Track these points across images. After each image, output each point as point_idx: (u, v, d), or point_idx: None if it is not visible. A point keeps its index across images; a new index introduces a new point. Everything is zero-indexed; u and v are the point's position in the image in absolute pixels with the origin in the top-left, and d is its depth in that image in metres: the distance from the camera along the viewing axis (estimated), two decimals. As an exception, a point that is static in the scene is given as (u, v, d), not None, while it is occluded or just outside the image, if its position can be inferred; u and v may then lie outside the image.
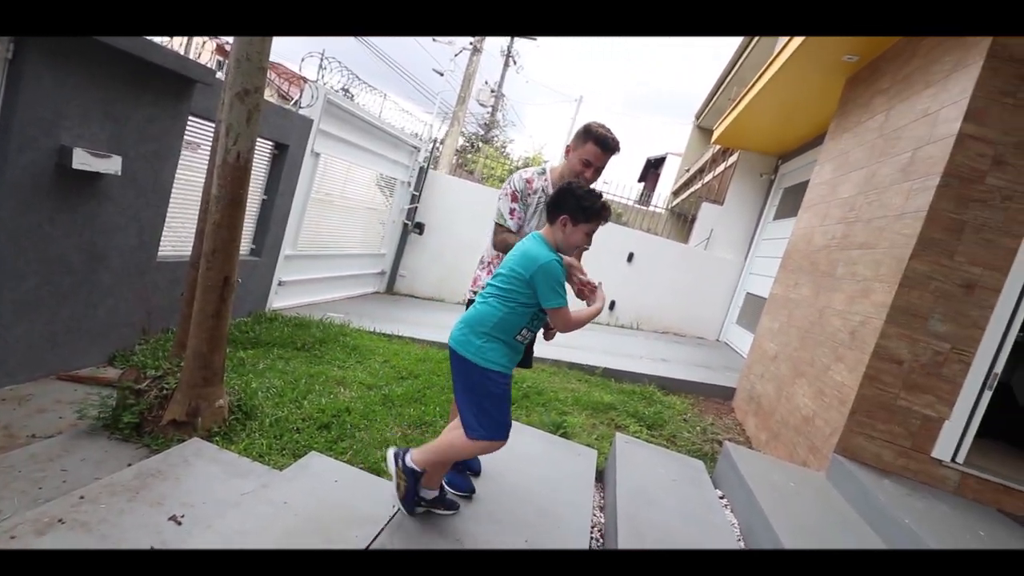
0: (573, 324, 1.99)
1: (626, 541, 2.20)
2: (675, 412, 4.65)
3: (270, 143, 4.98)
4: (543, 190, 2.40)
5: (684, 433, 4.17)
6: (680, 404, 4.91)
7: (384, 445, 3.02)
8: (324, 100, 5.42)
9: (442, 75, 16.40)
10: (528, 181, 2.40)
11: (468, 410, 1.97)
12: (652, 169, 25.42)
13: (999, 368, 2.85)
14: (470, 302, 2.44)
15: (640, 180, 26.20)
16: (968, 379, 2.87)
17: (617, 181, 11.24)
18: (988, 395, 2.86)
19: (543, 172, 2.45)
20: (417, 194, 8.08)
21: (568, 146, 2.39)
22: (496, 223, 2.42)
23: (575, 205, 1.96)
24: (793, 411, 3.75)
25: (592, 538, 2.45)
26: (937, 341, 2.91)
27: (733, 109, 7.33)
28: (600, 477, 3.15)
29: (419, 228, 8.23)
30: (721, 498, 2.96)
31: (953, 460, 2.89)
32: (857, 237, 3.64)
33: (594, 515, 2.66)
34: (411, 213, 8.12)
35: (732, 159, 9.39)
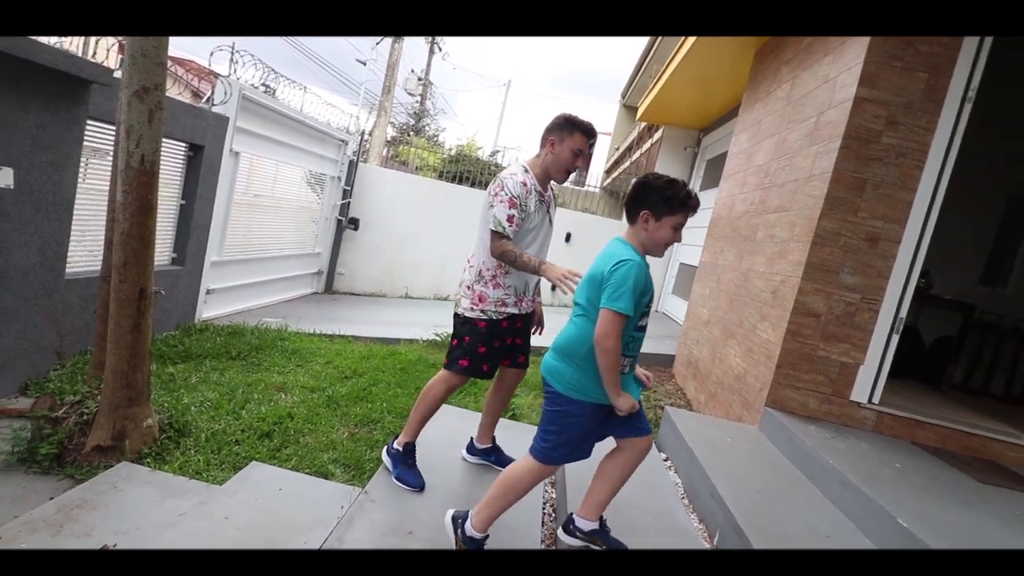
0: (612, 347, 1.69)
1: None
2: (620, 384, 4.78)
3: (183, 144, 4.71)
4: (534, 188, 2.36)
5: (629, 403, 4.31)
6: (624, 376, 5.05)
7: (331, 447, 2.96)
8: (239, 96, 5.17)
9: (365, 64, 15.95)
10: (523, 184, 2.31)
11: (540, 426, 1.87)
12: (585, 149, 25.80)
13: (904, 313, 3.09)
14: (467, 320, 2.36)
15: (574, 161, 26.58)
16: (878, 325, 3.10)
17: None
18: (896, 338, 3.10)
19: (526, 171, 2.38)
20: (349, 189, 7.86)
21: (550, 139, 2.36)
22: (493, 231, 2.30)
23: (657, 198, 1.79)
24: (727, 371, 3.94)
25: (544, 513, 2.50)
26: (849, 293, 3.12)
27: (654, 86, 7.51)
28: (550, 454, 3.21)
29: (354, 223, 8.03)
30: (665, 460, 3.09)
31: (870, 401, 3.13)
32: (773, 201, 3.84)
33: (546, 491, 2.72)
34: (344, 209, 7.91)
35: (657, 135, 9.64)
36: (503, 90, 28.67)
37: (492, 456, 2.74)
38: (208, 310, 5.44)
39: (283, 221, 6.82)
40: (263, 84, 5.83)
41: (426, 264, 8.45)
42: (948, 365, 4.30)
